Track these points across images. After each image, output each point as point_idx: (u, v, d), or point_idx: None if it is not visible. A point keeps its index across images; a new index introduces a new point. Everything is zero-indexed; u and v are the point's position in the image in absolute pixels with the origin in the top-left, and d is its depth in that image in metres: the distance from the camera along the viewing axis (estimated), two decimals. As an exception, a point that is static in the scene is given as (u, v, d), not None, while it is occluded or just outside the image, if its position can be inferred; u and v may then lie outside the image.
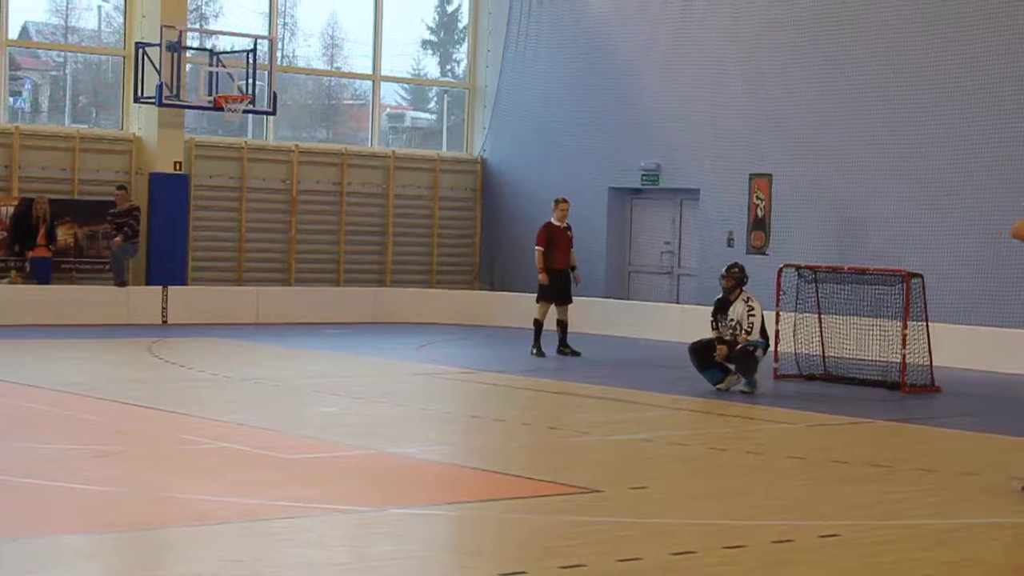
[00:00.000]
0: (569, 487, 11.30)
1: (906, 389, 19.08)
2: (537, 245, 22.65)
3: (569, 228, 22.82)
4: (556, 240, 22.60)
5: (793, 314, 20.70)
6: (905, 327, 19.36)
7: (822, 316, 20.74)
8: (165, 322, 26.18)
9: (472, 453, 13.40)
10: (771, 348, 19.29)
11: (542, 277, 22.50)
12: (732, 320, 18.33)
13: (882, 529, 10.16)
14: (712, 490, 11.61)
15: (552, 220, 22.76)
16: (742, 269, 18.74)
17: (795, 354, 20.43)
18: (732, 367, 18.30)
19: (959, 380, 20.35)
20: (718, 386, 18.26)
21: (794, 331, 20.53)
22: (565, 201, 22.91)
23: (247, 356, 21.59)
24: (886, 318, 20.13)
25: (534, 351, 22.31)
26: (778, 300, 20.69)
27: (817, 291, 20.78)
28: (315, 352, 22.25)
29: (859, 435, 15.51)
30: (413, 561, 8.88)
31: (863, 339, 20.47)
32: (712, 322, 18.58)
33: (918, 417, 16.88)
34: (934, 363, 19.53)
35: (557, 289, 22.61)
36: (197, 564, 8.62)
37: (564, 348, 22.60)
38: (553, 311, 22.62)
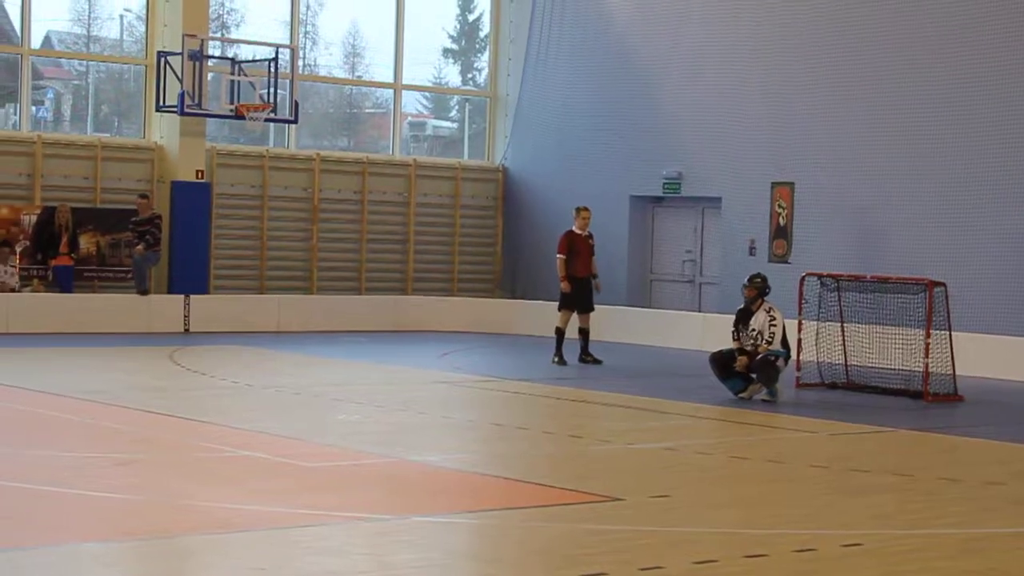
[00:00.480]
0: (591, 495, 11.28)
1: (929, 398, 19.02)
2: (559, 253, 22.64)
3: (591, 236, 22.80)
4: (578, 248, 22.58)
5: (815, 323, 20.64)
6: (928, 336, 19.31)
7: (844, 325, 20.69)
8: (187, 330, 26.21)
9: (494, 461, 13.38)
10: (792, 357, 19.24)
11: (564, 285, 22.49)
12: (754, 330, 18.29)
13: (905, 538, 10.12)
14: (734, 499, 11.58)
15: (574, 228, 22.75)
16: (764, 279, 18.70)
17: (817, 363, 20.38)
18: (754, 376, 18.26)
19: (982, 389, 20.29)
20: (740, 395, 18.22)
21: (816, 340, 20.47)
22: (587, 209, 22.90)
23: (268, 364, 21.60)
24: (909, 327, 20.07)
25: (556, 359, 22.28)
26: (800, 308, 20.64)
27: (839, 299, 20.72)
28: (336, 360, 22.25)
29: (881, 444, 15.47)
30: (434, 569, 8.86)
31: (885, 348, 20.41)
32: (733, 332, 18.55)
33: (941, 426, 16.82)
34: (957, 372, 19.46)
35: (579, 297, 22.59)
36: (218, 572, 8.62)
37: (586, 356, 22.57)
38: (575, 319, 22.59)
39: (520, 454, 13.86)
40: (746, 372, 18.27)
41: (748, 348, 18.25)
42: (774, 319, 18.24)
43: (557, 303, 22.89)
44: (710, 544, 9.72)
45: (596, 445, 14.45)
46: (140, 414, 15.42)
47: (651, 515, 10.72)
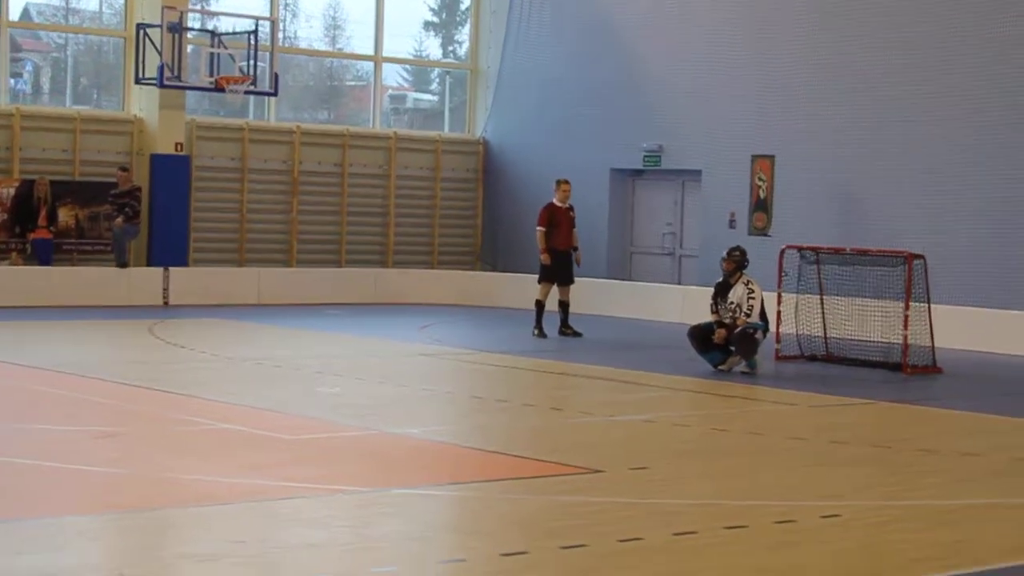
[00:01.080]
0: (571, 467, 11.32)
1: (908, 370, 19.09)
2: (539, 226, 22.65)
3: (571, 209, 22.82)
4: (558, 221, 22.60)
5: (795, 295, 20.70)
6: (907, 308, 19.37)
7: (824, 297, 20.74)
8: (166, 303, 26.18)
9: (474, 433, 13.42)
10: (771, 330, 19.29)
11: (544, 258, 22.52)
12: (732, 303, 18.33)
13: (883, 509, 10.18)
14: (714, 471, 11.63)
15: (554, 201, 22.77)
16: (743, 252, 18.73)
17: (797, 335, 20.44)
18: (732, 349, 18.30)
19: (961, 361, 20.37)
20: (719, 367, 18.27)
21: (796, 312, 20.53)
22: (567, 182, 22.92)
23: (248, 337, 21.60)
24: (888, 299, 20.12)
25: (536, 332, 22.32)
26: (780, 281, 20.70)
27: (819, 272, 20.78)
28: (317, 333, 22.26)
29: (860, 416, 15.53)
30: (415, 541, 8.89)
31: (865, 320, 20.46)
32: (712, 305, 18.59)
33: (919, 398, 16.90)
34: (936, 344, 19.53)
35: (559, 270, 22.62)
36: (200, 544, 8.64)
37: (566, 329, 22.60)
38: (555, 292, 22.62)
39: (500, 426, 13.90)
40: (725, 345, 18.32)
41: (727, 321, 18.29)
42: (753, 292, 18.28)
43: (537, 276, 22.91)
44: (690, 516, 9.76)
45: (576, 417, 14.49)
46: (121, 387, 15.42)
47: (631, 487, 10.76)
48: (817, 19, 25.71)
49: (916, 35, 24.31)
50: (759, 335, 18.20)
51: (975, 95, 23.52)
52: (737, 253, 18.65)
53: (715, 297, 18.62)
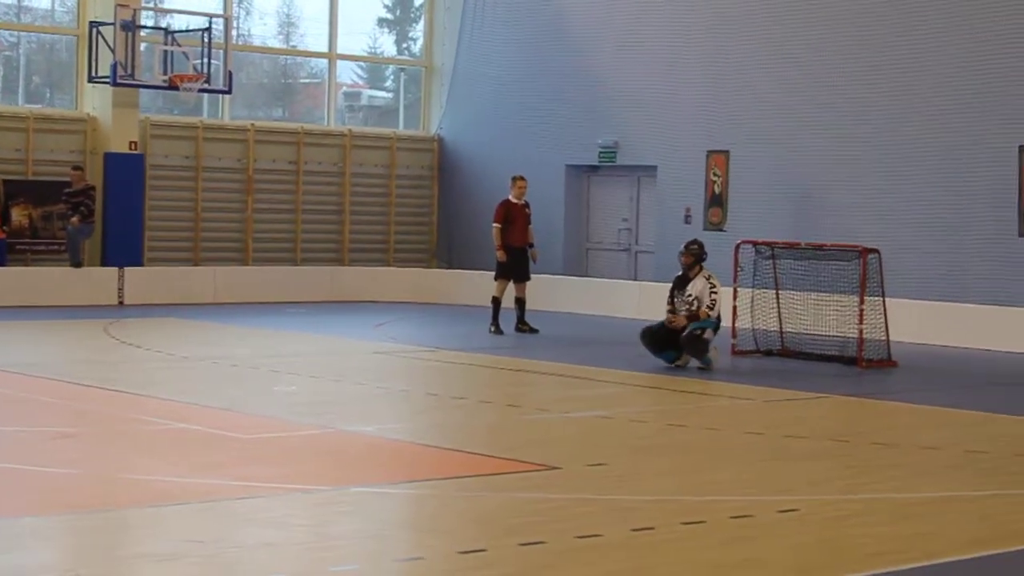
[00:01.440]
0: (528, 464, 11.31)
1: (863, 364, 19.16)
2: (495, 222, 22.65)
3: (527, 205, 22.82)
4: (514, 217, 22.60)
5: (751, 290, 20.75)
6: (862, 302, 19.44)
7: (779, 292, 20.80)
8: (122, 303, 26.06)
9: (431, 431, 13.40)
10: (726, 325, 19.31)
11: (500, 254, 22.52)
12: (690, 296, 18.33)
13: (841, 504, 10.20)
14: (671, 466, 11.64)
15: (510, 197, 22.77)
16: (701, 246, 18.76)
17: (753, 330, 20.48)
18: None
19: (915, 355, 20.45)
20: (676, 364, 18.27)
21: (752, 307, 20.58)
22: (522, 178, 22.93)
23: (204, 336, 21.52)
24: (843, 293, 20.19)
25: (492, 329, 22.32)
26: (735, 276, 20.74)
27: (775, 267, 20.83)
28: (273, 331, 22.19)
29: (817, 410, 15.58)
30: (373, 539, 8.87)
31: (820, 314, 20.54)
32: (669, 298, 18.59)
33: (875, 392, 16.97)
34: (891, 338, 19.61)
35: (515, 266, 22.62)
36: (157, 544, 8.60)
37: (522, 325, 22.60)
38: (511, 289, 22.62)
39: (457, 424, 13.88)
40: (679, 332, 18.24)
41: (684, 313, 18.29)
42: (715, 286, 18.30)
43: (493, 272, 22.90)
44: (647, 512, 9.77)
45: (533, 414, 14.49)
46: (76, 387, 15.34)
47: (588, 483, 10.76)
48: (771, 15, 25.76)
49: (870, 33, 24.38)
50: (708, 334, 18.19)
51: (927, 91, 23.60)
52: (696, 247, 18.67)
53: (672, 291, 18.63)
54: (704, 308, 18.16)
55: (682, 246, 18.83)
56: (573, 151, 28.97)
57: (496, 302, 22.53)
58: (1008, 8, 22.77)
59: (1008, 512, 10.09)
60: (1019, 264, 22.45)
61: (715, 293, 18.25)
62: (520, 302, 22.68)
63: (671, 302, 18.54)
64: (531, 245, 22.88)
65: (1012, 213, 22.54)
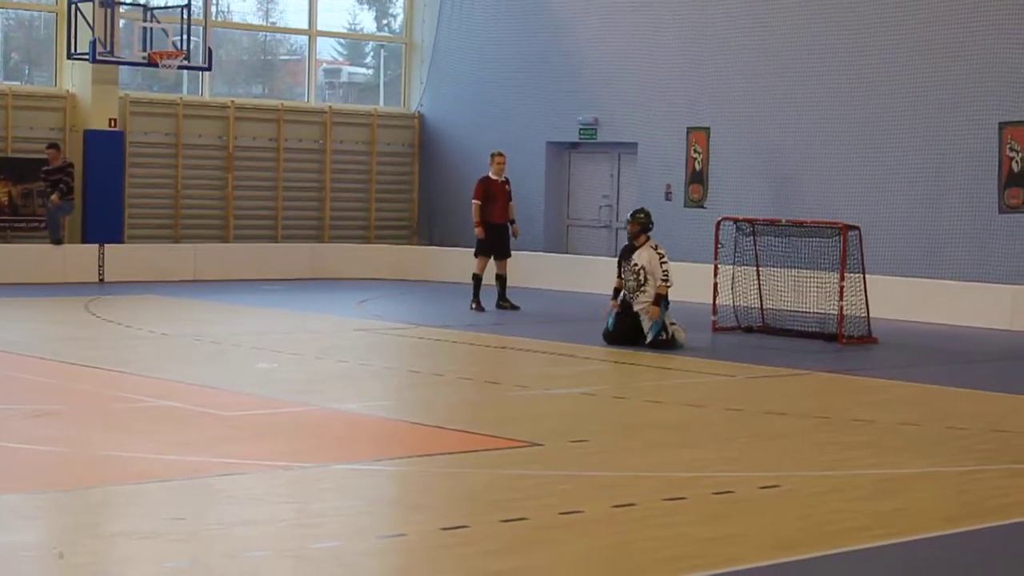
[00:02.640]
0: (510, 441, 11.33)
1: (843, 341, 19.21)
2: (474, 199, 22.65)
3: (507, 182, 22.83)
4: (493, 194, 22.60)
5: (731, 267, 20.79)
6: (842, 279, 19.48)
7: (760, 269, 20.83)
8: (102, 280, 26.02)
9: (413, 408, 13.41)
10: (705, 302, 19.30)
11: (479, 231, 22.53)
12: (637, 265, 18.17)
13: (821, 480, 10.25)
14: (652, 443, 11.67)
15: (489, 174, 22.77)
16: (648, 215, 18.69)
17: (734, 307, 20.52)
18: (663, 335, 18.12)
19: (896, 331, 20.51)
20: (657, 338, 18.19)
21: (732, 284, 20.62)
22: (502, 155, 22.93)
23: (185, 313, 21.50)
24: (824, 270, 20.24)
25: (473, 305, 22.33)
26: (716, 253, 20.79)
27: (755, 244, 20.87)
28: (254, 309, 22.18)
29: (798, 387, 15.63)
30: (355, 516, 8.89)
31: (801, 291, 20.58)
32: (617, 269, 18.54)
33: (856, 368, 17.01)
34: (871, 314, 19.66)
35: (495, 243, 22.63)
36: (138, 522, 8.60)
37: (503, 302, 22.62)
38: (492, 265, 22.62)
39: (440, 401, 13.90)
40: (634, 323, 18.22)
41: (631, 284, 18.11)
42: (663, 257, 18.17)
43: (474, 249, 22.90)
44: (629, 488, 9.80)
45: (514, 391, 14.51)
46: (57, 365, 15.33)
47: (570, 460, 10.79)
48: (751, -9, 25.78)
49: (850, 10, 24.39)
50: (669, 331, 18.04)
51: (908, 68, 23.63)
52: (642, 215, 18.58)
53: (620, 260, 18.59)
54: (660, 283, 18.02)
55: (628, 215, 18.77)
56: (554, 128, 28.97)
57: (477, 279, 22.53)
58: (988, -15, 22.80)
59: (986, 488, 10.14)
60: (999, 241, 22.52)
61: (665, 263, 18.12)
62: (501, 279, 22.69)
63: (619, 273, 18.49)
64: (512, 221, 22.88)
65: (992, 190, 22.59)
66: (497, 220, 22.67)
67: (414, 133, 31.48)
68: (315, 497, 9.42)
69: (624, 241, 27.69)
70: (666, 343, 17.93)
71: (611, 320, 18.36)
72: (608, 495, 9.52)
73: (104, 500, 9.21)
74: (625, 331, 18.16)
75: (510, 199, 22.83)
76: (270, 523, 8.62)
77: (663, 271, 18.07)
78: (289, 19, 31.44)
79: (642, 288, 18.15)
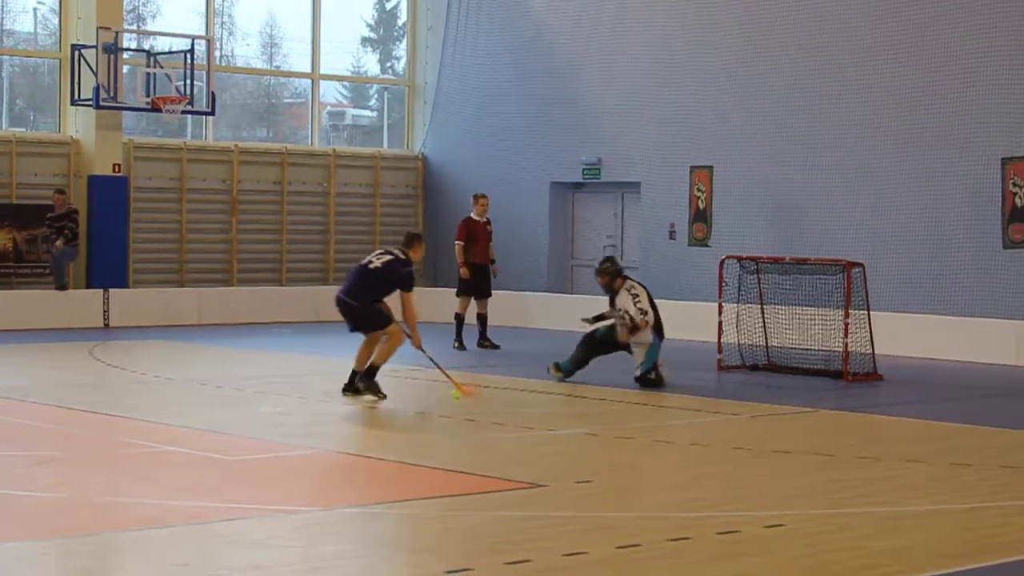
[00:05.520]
0: (514, 483, 11.31)
1: (849, 378, 19.19)
2: (457, 240, 22.93)
3: (489, 223, 23.16)
4: (476, 234, 22.86)
5: (736, 305, 20.78)
6: (847, 316, 19.47)
7: (764, 307, 20.83)
8: (107, 325, 26.04)
9: (418, 450, 13.39)
10: (708, 341, 19.27)
11: (463, 271, 22.77)
12: (620, 310, 18.16)
13: (827, 518, 10.22)
14: (657, 483, 11.65)
15: (472, 215, 23.01)
16: (612, 260, 18.77)
17: (738, 345, 20.51)
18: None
19: (901, 368, 20.47)
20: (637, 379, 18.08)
21: (737, 322, 20.61)
22: (484, 196, 23.35)
23: (190, 358, 21.50)
24: (828, 307, 20.23)
25: (456, 344, 22.51)
26: (720, 291, 20.78)
27: (759, 282, 20.86)
28: (259, 352, 22.18)
29: (803, 424, 15.59)
30: (360, 560, 8.87)
31: (805, 329, 20.57)
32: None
33: (861, 405, 16.98)
34: (876, 351, 19.64)
35: (477, 283, 22.86)
36: (142, 568, 8.59)
37: (484, 341, 22.89)
38: (473, 305, 22.82)
39: (443, 443, 13.88)
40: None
41: (623, 332, 18.09)
42: (636, 294, 18.11)
43: (455, 289, 23.20)
44: (633, 528, 9.77)
45: (518, 432, 14.48)
46: (61, 411, 15.31)
47: (574, 501, 10.76)
48: (754, 32, 25.81)
49: (852, 48, 24.44)
50: (657, 368, 18.00)
51: (911, 106, 23.65)
52: (607, 264, 18.63)
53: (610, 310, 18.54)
54: (638, 319, 17.96)
55: (595, 269, 18.82)
56: (557, 168, 29.01)
57: (459, 319, 22.84)
58: (988, 22, 22.81)
59: (992, 525, 10.11)
60: (1003, 276, 22.49)
61: (638, 299, 18.05)
62: (482, 318, 22.97)
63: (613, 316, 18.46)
64: (492, 261, 23.08)
65: (996, 225, 22.58)
66: (479, 260, 22.90)
67: (418, 175, 31.54)
68: (319, 541, 9.40)
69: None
70: (653, 382, 17.90)
71: (602, 328, 18.38)
72: (612, 536, 9.49)
73: (107, 546, 9.19)
74: (608, 344, 18.22)
75: (491, 239, 23.07)
76: (273, 568, 8.60)
77: (636, 308, 18.00)
78: (292, 63, 31.55)
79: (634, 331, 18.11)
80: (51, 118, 28.31)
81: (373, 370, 15.92)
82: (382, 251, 16.53)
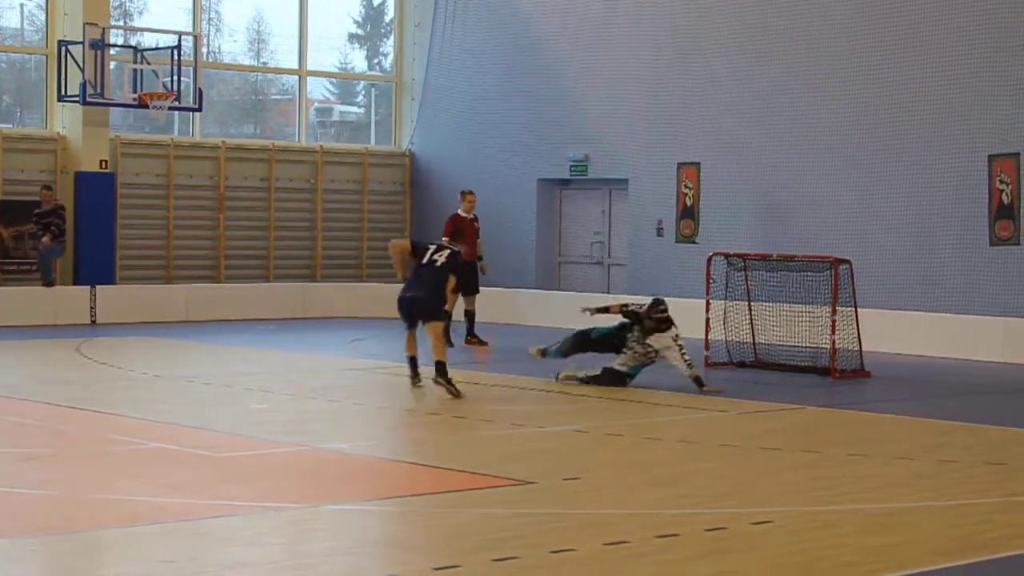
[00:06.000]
0: (503, 480, 11.31)
1: (836, 375, 19.21)
2: (444, 236, 22.77)
3: (476, 219, 23.05)
4: (463, 231, 22.76)
5: (723, 302, 20.79)
6: (834, 313, 19.50)
7: (752, 303, 20.84)
8: (94, 322, 25.99)
9: (405, 447, 13.40)
10: (697, 337, 19.27)
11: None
12: (652, 349, 17.75)
13: (815, 515, 10.23)
14: (645, 479, 11.65)
15: (459, 211, 22.95)
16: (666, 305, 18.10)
17: (726, 342, 20.52)
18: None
19: (888, 365, 20.50)
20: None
21: (724, 319, 20.62)
22: (472, 193, 23.23)
23: (178, 355, 21.48)
24: (815, 304, 20.26)
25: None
26: (708, 288, 20.79)
27: (747, 279, 20.88)
28: (246, 349, 22.16)
29: (791, 421, 15.61)
30: (348, 557, 8.87)
31: (793, 325, 20.59)
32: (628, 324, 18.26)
33: (848, 402, 17.00)
34: (863, 348, 19.67)
35: (464, 279, 22.72)
36: (130, 565, 8.58)
37: (471, 338, 22.79)
38: (460, 302, 22.78)
39: (433, 440, 13.88)
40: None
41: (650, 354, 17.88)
42: (682, 345, 17.57)
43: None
44: (622, 525, 9.78)
45: (507, 429, 14.48)
46: (48, 407, 15.29)
47: (563, 498, 10.77)
48: (741, 29, 25.83)
49: (841, 46, 24.46)
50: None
51: (898, 101, 23.68)
52: (663, 306, 17.89)
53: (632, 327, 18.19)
54: (686, 373, 17.35)
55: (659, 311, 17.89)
56: (544, 165, 29.01)
57: (447, 315, 22.64)
58: (976, 20, 22.85)
59: (979, 522, 10.12)
60: (990, 273, 22.53)
61: (684, 351, 17.47)
62: (470, 315, 22.91)
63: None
64: (480, 258, 23.04)
65: (983, 222, 22.62)
66: (466, 257, 22.74)
67: (405, 171, 31.52)
68: (307, 538, 9.40)
69: (617, 277, 27.91)
70: (617, 379, 17.73)
71: (599, 330, 18.34)
72: (600, 533, 9.50)
73: (95, 543, 9.18)
74: (603, 345, 18.17)
75: (478, 236, 23.00)
76: (262, 565, 8.60)
77: (685, 363, 17.43)
78: (280, 59, 31.52)
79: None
80: (38, 114, 28.26)
81: (443, 366, 16.55)
82: (435, 247, 17.50)
